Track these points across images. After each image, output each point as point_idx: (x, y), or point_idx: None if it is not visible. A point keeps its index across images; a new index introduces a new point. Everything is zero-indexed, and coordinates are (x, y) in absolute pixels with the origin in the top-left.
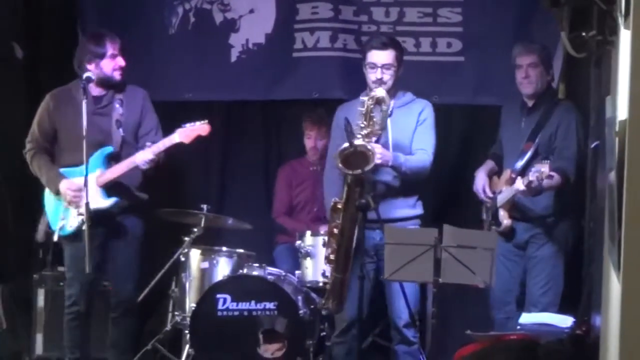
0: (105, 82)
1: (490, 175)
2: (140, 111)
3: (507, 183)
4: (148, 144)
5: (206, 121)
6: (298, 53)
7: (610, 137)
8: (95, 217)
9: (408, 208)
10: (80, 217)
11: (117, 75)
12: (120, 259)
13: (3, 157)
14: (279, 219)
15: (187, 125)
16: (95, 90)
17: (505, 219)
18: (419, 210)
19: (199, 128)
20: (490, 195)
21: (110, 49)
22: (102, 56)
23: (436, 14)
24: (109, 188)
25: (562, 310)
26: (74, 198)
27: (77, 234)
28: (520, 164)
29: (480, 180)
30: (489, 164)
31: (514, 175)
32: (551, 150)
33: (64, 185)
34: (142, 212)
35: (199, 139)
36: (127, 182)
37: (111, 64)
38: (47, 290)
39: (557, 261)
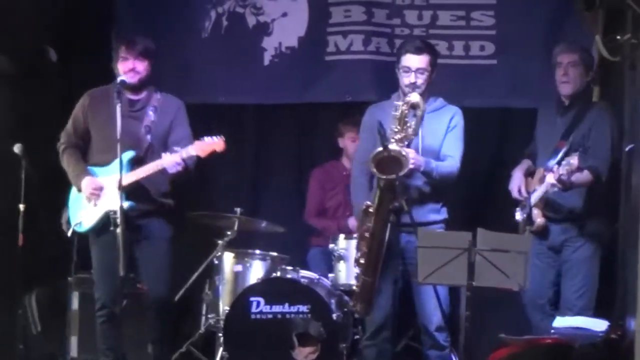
0: (125, 85)
1: (527, 175)
2: (172, 120)
3: (540, 181)
4: (176, 148)
5: (222, 137)
6: (331, 56)
7: None
8: (114, 220)
9: (434, 213)
10: (98, 216)
11: (128, 78)
12: (148, 262)
13: (38, 159)
14: (310, 219)
15: (205, 138)
16: (129, 94)
17: (538, 217)
18: (443, 215)
19: (215, 143)
20: (525, 195)
21: (122, 52)
22: (117, 58)
23: (469, 17)
24: (129, 192)
25: (596, 314)
26: (91, 195)
27: (98, 233)
28: (553, 162)
29: (517, 179)
30: (526, 164)
31: (546, 173)
32: (584, 149)
33: (85, 183)
34: (167, 216)
35: (234, 138)
36: (151, 187)
37: (121, 67)
38: (81, 293)
39: (592, 264)
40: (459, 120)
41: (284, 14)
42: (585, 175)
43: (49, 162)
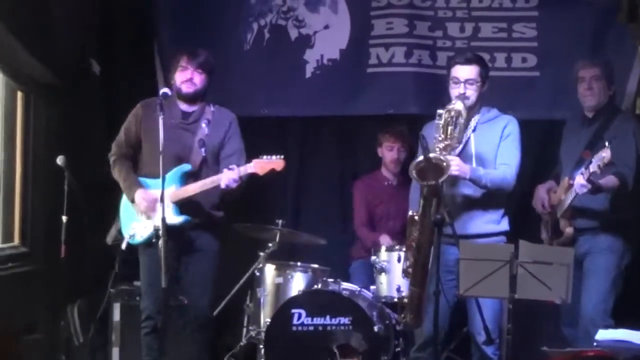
0: (180, 95)
1: (549, 192)
2: (224, 134)
3: (565, 191)
4: (232, 166)
5: (282, 156)
6: (373, 68)
7: None
8: (157, 232)
9: (492, 224)
10: (151, 229)
11: (184, 88)
12: (194, 275)
13: (84, 170)
14: (359, 230)
15: (264, 157)
16: (183, 105)
17: (567, 227)
18: (504, 226)
19: (274, 162)
20: (549, 209)
21: (182, 62)
22: (176, 69)
23: (511, 29)
24: (182, 205)
25: (638, 326)
26: (146, 208)
27: (149, 245)
28: (578, 172)
29: (540, 195)
30: (550, 183)
31: (571, 182)
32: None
33: (139, 195)
34: (216, 229)
35: (272, 173)
36: (203, 200)
37: (180, 76)
38: (123, 305)
39: (607, 275)
40: (513, 128)
41: (326, 27)
42: (612, 181)
43: (92, 174)
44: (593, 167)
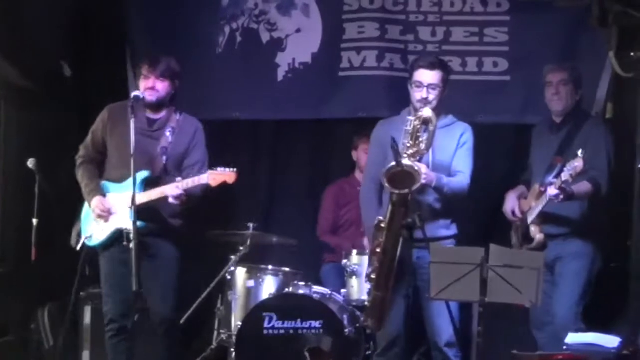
0: (145, 103)
1: (520, 199)
2: (189, 143)
3: (536, 198)
4: (178, 179)
5: (235, 170)
6: (344, 72)
7: None
8: (121, 236)
9: (444, 228)
10: (109, 232)
11: (147, 96)
12: (153, 282)
13: (52, 175)
14: (323, 237)
15: (219, 169)
16: (149, 112)
17: (537, 234)
18: (453, 230)
19: (227, 175)
20: (520, 215)
21: (144, 70)
22: (140, 76)
23: (482, 33)
24: (139, 211)
25: (608, 330)
26: (99, 217)
27: (105, 248)
28: (550, 178)
29: (511, 201)
30: (521, 189)
31: (542, 189)
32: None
33: (95, 202)
34: (174, 237)
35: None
36: (161, 207)
37: (143, 84)
38: (93, 308)
39: (578, 280)
40: (469, 137)
41: (298, 30)
42: (586, 186)
43: (63, 177)
44: (565, 176)
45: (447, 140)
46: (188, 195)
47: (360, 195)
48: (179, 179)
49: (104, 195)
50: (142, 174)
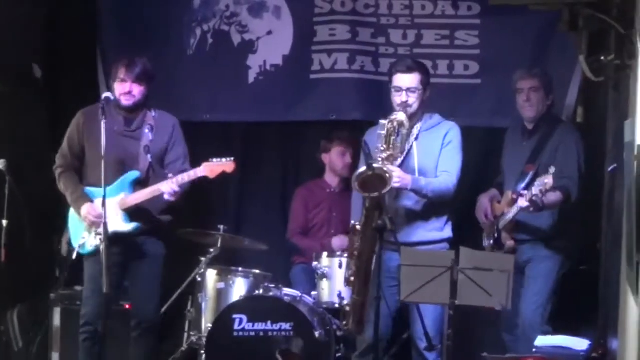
0: (121, 107)
1: (492, 202)
2: (168, 139)
3: (508, 205)
4: (170, 175)
5: (232, 159)
6: (315, 75)
7: (629, 161)
8: (115, 239)
9: (436, 231)
10: (100, 237)
11: (124, 101)
12: (141, 280)
13: (25, 176)
14: (293, 238)
15: (214, 160)
16: (124, 113)
17: (507, 240)
18: (447, 233)
19: (225, 165)
20: (492, 219)
21: (121, 73)
22: (115, 79)
23: (453, 36)
24: (131, 212)
25: (578, 332)
26: (93, 223)
27: (96, 253)
28: (522, 185)
29: (483, 205)
30: (492, 192)
31: (515, 197)
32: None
33: (85, 209)
34: (163, 234)
35: (223, 175)
36: (150, 206)
37: (119, 88)
38: (63, 309)
39: (547, 282)
40: (454, 135)
41: (269, 32)
42: (556, 196)
43: (34, 178)
44: (535, 190)
45: (431, 142)
46: (183, 192)
47: (352, 200)
48: (170, 175)
49: (92, 201)
50: (132, 175)
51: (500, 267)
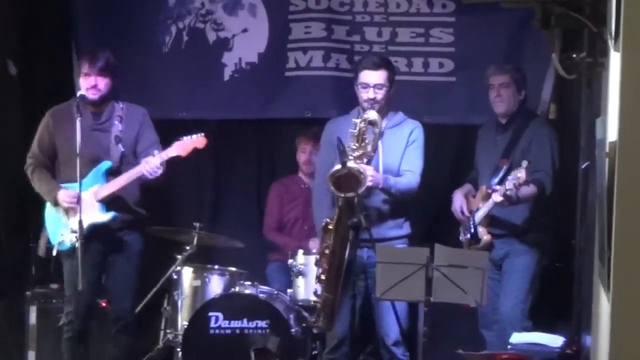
0: (87, 101)
1: (467, 197)
2: (138, 128)
3: (483, 199)
4: (155, 151)
5: (202, 134)
6: (291, 72)
7: (601, 158)
8: (95, 233)
9: (396, 228)
10: (76, 235)
11: (89, 95)
12: (119, 275)
13: None
14: (268, 234)
15: (184, 138)
16: (92, 108)
17: (484, 235)
18: (406, 230)
19: (196, 141)
20: (468, 214)
21: (84, 68)
22: (80, 74)
23: (428, 34)
24: (108, 202)
25: (553, 329)
26: (70, 205)
27: (75, 249)
28: (495, 180)
29: (458, 200)
30: (467, 187)
31: (489, 191)
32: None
33: (61, 195)
34: (141, 228)
35: (195, 152)
36: (128, 196)
37: (84, 83)
38: (39, 307)
39: (525, 277)
40: (418, 134)
41: (244, 30)
42: (531, 189)
43: (9, 175)
44: (509, 185)
45: (396, 140)
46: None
47: (313, 197)
48: (155, 151)
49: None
50: (105, 165)
51: (474, 264)
